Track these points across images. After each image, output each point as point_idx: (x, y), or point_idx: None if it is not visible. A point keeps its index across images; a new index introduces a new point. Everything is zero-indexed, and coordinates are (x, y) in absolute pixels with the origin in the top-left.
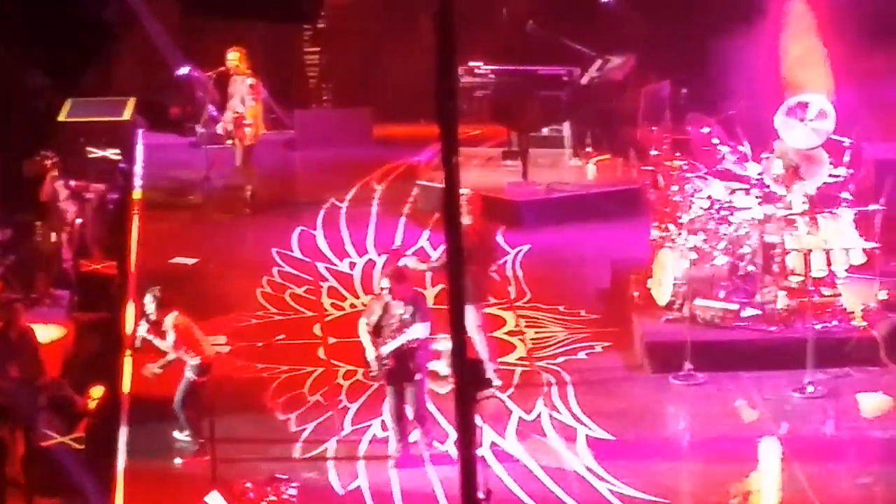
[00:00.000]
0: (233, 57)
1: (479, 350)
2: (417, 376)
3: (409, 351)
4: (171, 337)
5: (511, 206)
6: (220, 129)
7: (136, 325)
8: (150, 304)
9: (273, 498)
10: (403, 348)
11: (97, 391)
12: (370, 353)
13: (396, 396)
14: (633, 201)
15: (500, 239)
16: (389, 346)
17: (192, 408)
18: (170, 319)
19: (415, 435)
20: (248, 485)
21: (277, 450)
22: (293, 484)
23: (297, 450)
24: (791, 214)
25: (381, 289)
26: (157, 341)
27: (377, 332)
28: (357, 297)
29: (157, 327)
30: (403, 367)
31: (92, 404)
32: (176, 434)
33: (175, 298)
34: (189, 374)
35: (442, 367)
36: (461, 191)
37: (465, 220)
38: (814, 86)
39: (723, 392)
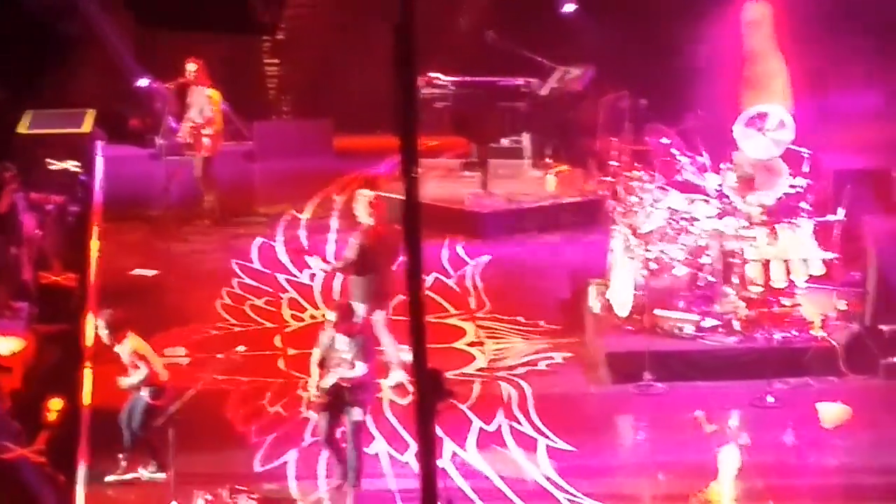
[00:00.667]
0: (192, 68)
1: (388, 351)
2: (355, 415)
3: (347, 388)
4: (126, 359)
5: (471, 217)
6: (179, 136)
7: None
8: (101, 328)
9: None
10: (339, 385)
11: (56, 403)
12: (310, 384)
13: (328, 427)
14: (593, 212)
15: (460, 250)
16: (325, 382)
17: (150, 430)
18: (127, 344)
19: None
20: (209, 496)
21: (237, 461)
22: (253, 495)
23: (257, 461)
24: (750, 225)
25: (327, 321)
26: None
27: (322, 363)
28: (317, 309)
29: (109, 351)
30: (339, 403)
31: (52, 416)
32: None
33: (134, 312)
34: (144, 396)
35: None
36: (364, 192)
37: (368, 221)
38: (773, 96)
39: (682, 402)
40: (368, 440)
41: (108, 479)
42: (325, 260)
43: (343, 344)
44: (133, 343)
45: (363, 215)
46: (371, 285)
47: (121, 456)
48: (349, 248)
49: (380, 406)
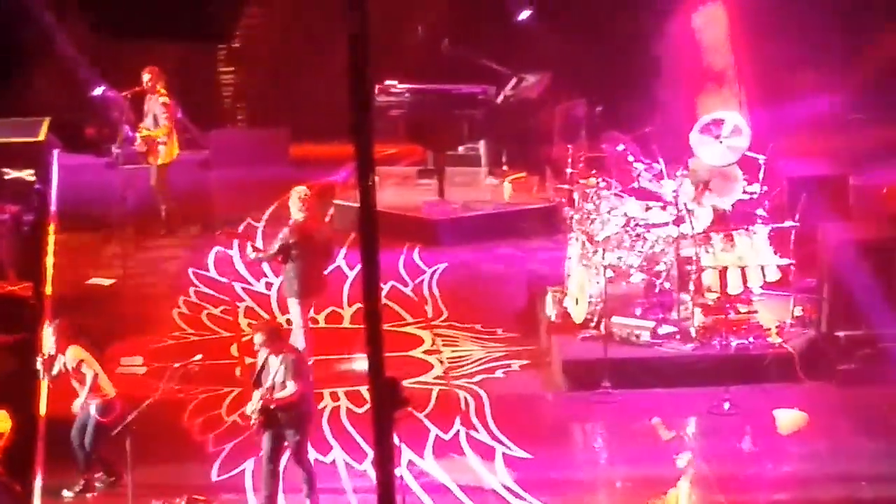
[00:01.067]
0: (147, 77)
1: (298, 338)
2: (290, 436)
3: (281, 408)
4: (68, 360)
5: (427, 225)
6: (137, 153)
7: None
8: (48, 337)
9: None
10: (269, 405)
11: (2, 418)
12: (248, 406)
13: (270, 446)
14: (549, 219)
15: (416, 258)
16: (253, 403)
17: (103, 447)
18: (70, 353)
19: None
20: None
21: (195, 471)
22: None
23: (214, 471)
24: (706, 232)
25: (255, 343)
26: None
27: (257, 383)
28: (274, 318)
29: (52, 361)
30: (273, 422)
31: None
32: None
33: (90, 321)
34: (93, 413)
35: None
36: (298, 188)
37: (298, 215)
38: (728, 103)
39: (639, 409)
40: (314, 453)
41: (65, 494)
42: (255, 248)
43: (274, 363)
44: (76, 353)
45: (294, 210)
46: (301, 277)
47: (81, 481)
48: (276, 240)
49: (320, 420)
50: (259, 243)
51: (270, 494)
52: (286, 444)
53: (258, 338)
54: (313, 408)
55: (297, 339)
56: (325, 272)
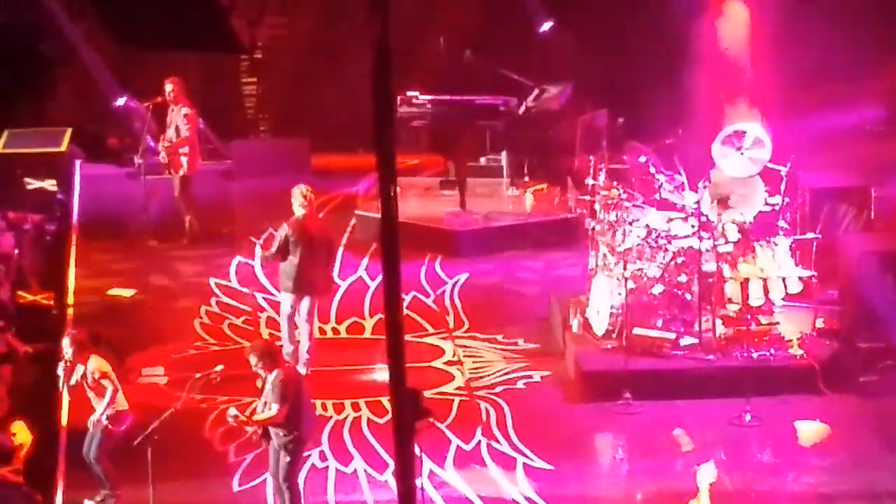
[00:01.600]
0: (169, 88)
1: (302, 340)
2: (283, 455)
3: (272, 429)
4: (88, 371)
5: (449, 236)
6: (160, 164)
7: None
8: (66, 347)
9: None
10: (246, 425)
11: (20, 429)
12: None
13: (272, 462)
14: (571, 230)
15: (438, 269)
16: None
17: (109, 458)
18: (92, 365)
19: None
20: None
21: (216, 482)
22: None
23: (235, 481)
24: (728, 243)
25: (251, 364)
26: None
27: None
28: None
29: (71, 370)
30: (268, 435)
31: (17, 440)
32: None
33: (112, 331)
34: (103, 420)
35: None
36: (300, 186)
37: (300, 212)
38: (750, 115)
39: (660, 421)
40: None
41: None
42: (263, 247)
43: (267, 382)
44: (100, 365)
45: (296, 206)
46: (295, 272)
47: (99, 497)
48: (276, 237)
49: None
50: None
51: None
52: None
53: (252, 359)
54: (305, 432)
55: (303, 338)
56: (330, 272)
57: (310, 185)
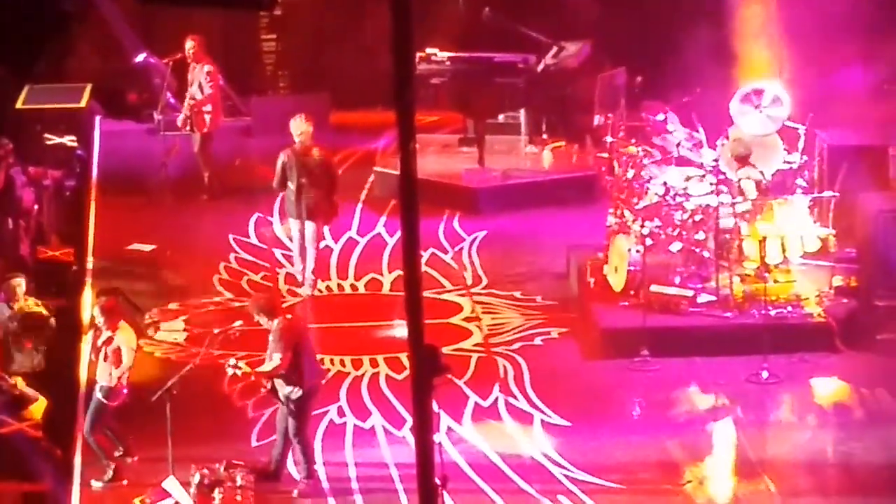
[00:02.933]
0: (190, 45)
1: (308, 263)
2: (291, 407)
3: (276, 381)
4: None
5: (467, 193)
6: (180, 120)
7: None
8: (98, 316)
9: (229, 484)
10: (248, 377)
11: (38, 408)
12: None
13: (281, 416)
14: (589, 188)
15: (456, 225)
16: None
17: (102, 431)
18: (122, 336)
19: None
20: (205, 471)
21: (234, 436)
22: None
23: (253, 436)
24: (746, 201)
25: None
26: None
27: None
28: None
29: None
30: (276, 395)
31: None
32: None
33: (131, 286)
34: (98, 396)
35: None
36: (299, 116)
37: (298, 140)
38: (768, 73)
39: (677, 378)
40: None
41: (94, 484)
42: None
43: (271, 335)
44: (129, 339)
45: (295, 136)
46: (295, 198)
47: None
48: (276, 167)
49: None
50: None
51: (279, 454)
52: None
53: (254, 314)
54: (306, 382)
55: (309, 262)
56: (332, 198)
57: (329, 141)
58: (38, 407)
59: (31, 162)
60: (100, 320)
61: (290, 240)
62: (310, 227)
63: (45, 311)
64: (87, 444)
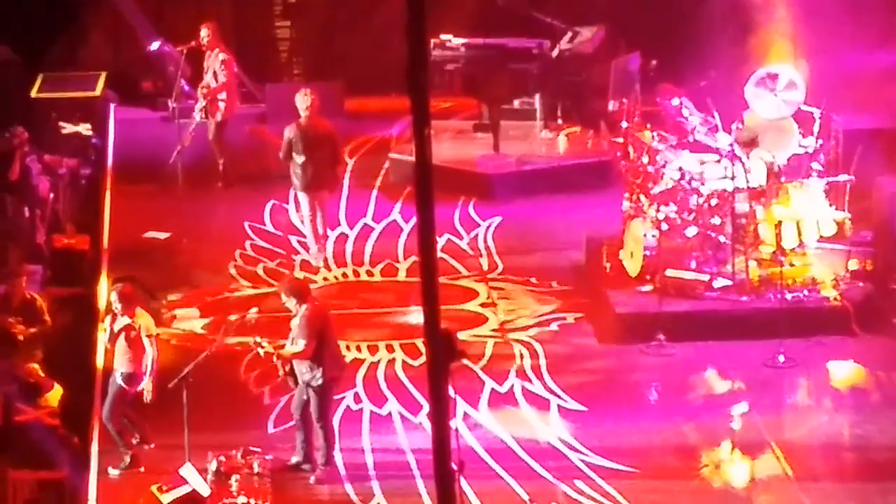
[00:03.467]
0: (205, 32)
1: (307, 232)
2: (311, 392)
3: (298, 365)
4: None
5: (482, 179)
6: (197, 110)
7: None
8: (115, 302)
9: (246, 470)
10: (275, 358)
11: (55, 395)
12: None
13: (298, 400)
14: (604, 173)
15: (471, 211)
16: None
17: (119, 419)
18: (142, 321)
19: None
20: (222, 458)
21: (250, 423)
22: (266, 456)
23: (270, 423)
24: (761, 185)
25: (282, 300)
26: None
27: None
28: (329, 270)
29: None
30: (293, 375)
31: (54, 401)
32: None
33: (147, 274)
34: (119, 382)
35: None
36: (303, 90)
37: (303, 113)
38: (783, 56)
39: (694, 362)
40: (369, 405)
41: (111, 471)
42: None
43: (295, 319)
44: (148, 324)
45: (301, 109)
46: (301, 171)
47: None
48: (283, 141)
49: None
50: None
51: (304, 441)
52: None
53: (283, 296)
54: (328, 370)
55: (307, 231)
56: (335, 170)
57: (344, 128)
58: (55, 395)
59: (46, 150)
60: (117, 307)
61: (300, 215)
62: (319, 199)
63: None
64: (106, 431)
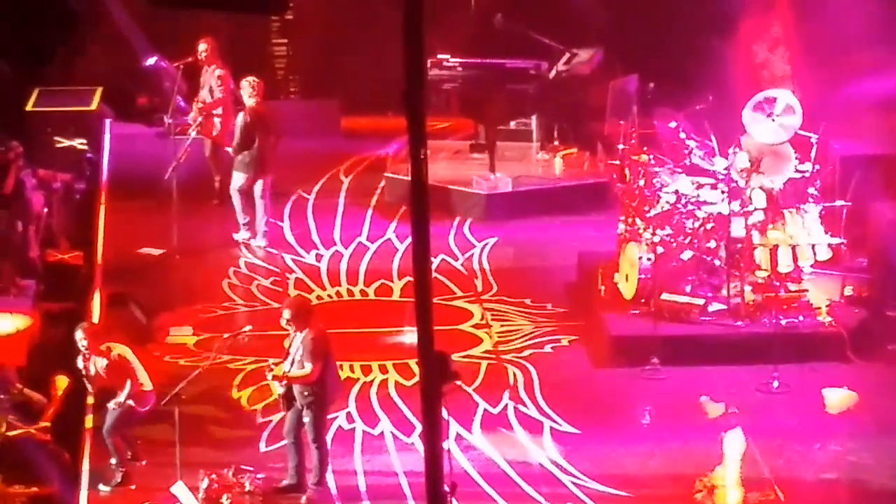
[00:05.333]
0: (203, 48)
1: (259, 215)
2: (305, 416)
3: (298, 388)
4: (101, 364)
5: (478, 199)
6: (192, 124)
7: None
8: (81, 339)
9: (237, 489)
10: (282, 380)
11: (62, 381)
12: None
13: (291, 422)
14: (600, 195)
15: (467, 232)
16: (273, 372)
17: (122, 436)
18: (113, 353)
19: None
20: (214, 476)
21: (243, 441)
22: (259, 475)
23: (262, 442)
24: (757, 210)
25: (282, 318)
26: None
27: (285, 356)
28: (323, 290)
29: (90, 361)
30: (292, 398)
31: (58, 392)
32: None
33: (140, 290)
34: (129, 402)
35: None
36: (248, 78)
37: (250, 102)
38: (781, 81)
39: (688, 387)
40: (361, 425)
41: (102, 488)
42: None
43: (297, 341)
44: (119, 351)
45: (246, 97)
46: (257, 154)
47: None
48: (237, 127)
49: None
50: (310, 218)
51: (297, 465)
52: (306, 421)
53: (286, 313)
54: (330, 392)
55: (259, 215)
56: (276, 153)
57: (340, 147)
58: (62, 382)
59: (41, 165)
60: (83, 344)
61: (239, 200)
62: (261, 183)
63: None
64: (97, 447)
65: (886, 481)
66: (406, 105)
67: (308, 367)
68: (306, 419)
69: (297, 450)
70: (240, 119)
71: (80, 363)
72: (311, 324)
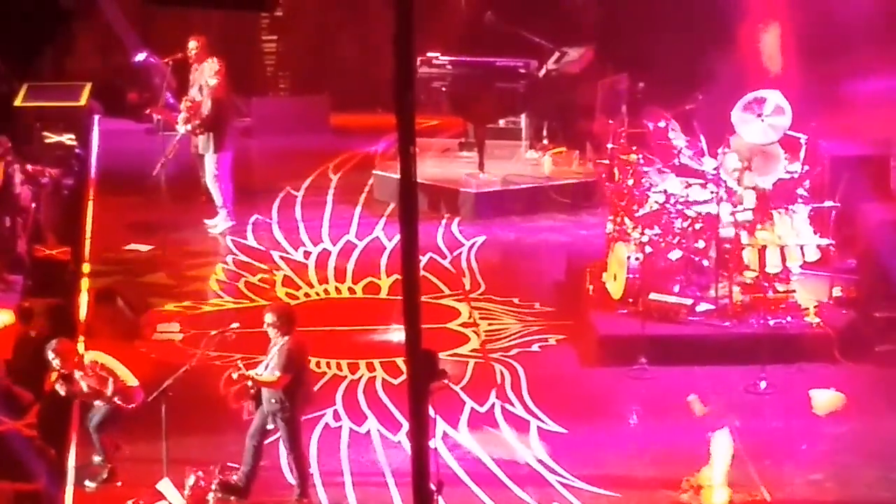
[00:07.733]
0: (194, 45)
1: (215, 196)
2: (280, 425)
3: (267, 393)
4: (81, 377)
5: (467, 198)
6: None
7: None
8: (53, 359)
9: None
10: (246, 381)
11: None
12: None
13: (256, 424)
14: (589, 194)
15: (455, 230)
16: (239, 371)
17: (109, 433)
18: (87, 360)
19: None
20: (200, 473)
21: (229, 439)
22: None
23: None
24: (746, 210)
25: (265, 322)
26: (84, 382)
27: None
28: (311, 287)
29: (69, 377)
30: (257, 404)
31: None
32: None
33: (128, 286)
34: (115, 399)
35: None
36: (211, 59)
37: (213, 81)
38: (770, 82)
39: (675, 387)
40: (348, 422)
41: (88, 484)
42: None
43: (275, 346)
44: (93, 356)
45: (208, 78)
46: (224, 132)
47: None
48: (204, 107)
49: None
50: (298, 215)
51: (249, 470)
52: (269, 428)
53: (269, 317)
54: (298, 405)
55: (215, 194)
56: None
57: (329, 143)
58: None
59: (29, 160)
60: (56, 363)
61: (205, 176)
62: (226, 158)
63: None
64: (83, 443)
65: (872, 482)
66: (395, 102)
67: (276, 374)
68: (270, 426)
69: (253, 455)
70: (209, 98)
71: (59, 389)
72: (291, 332)
